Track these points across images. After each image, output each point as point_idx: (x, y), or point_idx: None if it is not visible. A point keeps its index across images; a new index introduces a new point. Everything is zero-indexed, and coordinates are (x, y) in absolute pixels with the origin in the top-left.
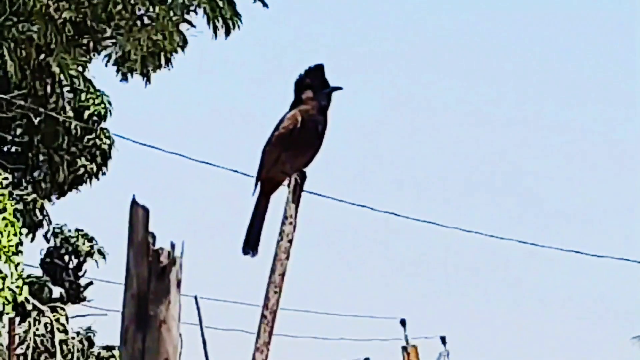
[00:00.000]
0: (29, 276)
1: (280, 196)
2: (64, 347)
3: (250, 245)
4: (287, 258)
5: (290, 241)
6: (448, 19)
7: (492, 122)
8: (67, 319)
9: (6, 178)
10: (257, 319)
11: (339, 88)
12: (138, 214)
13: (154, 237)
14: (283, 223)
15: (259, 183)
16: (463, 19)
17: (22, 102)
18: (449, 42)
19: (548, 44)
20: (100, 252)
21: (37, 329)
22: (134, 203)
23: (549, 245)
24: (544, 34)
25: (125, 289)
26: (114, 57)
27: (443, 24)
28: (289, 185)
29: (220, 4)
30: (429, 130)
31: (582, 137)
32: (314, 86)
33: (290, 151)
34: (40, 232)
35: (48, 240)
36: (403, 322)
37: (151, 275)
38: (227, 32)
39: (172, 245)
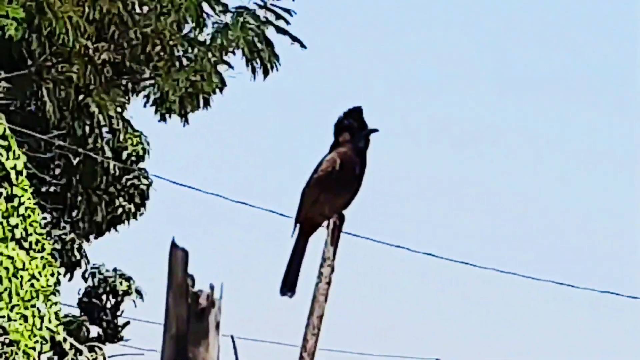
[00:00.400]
0: (66, 316)
1: (319, 237)
2: None
3: (288, 286)
4: (325, 300)
5: (329, 283)
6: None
7: (528, 164)
8: (104, 358)
9: (45, 218)
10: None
11: (375, 130)
12: (177, 256)
13: (193, 279)
14: (321, 265)
15: (298, 224)
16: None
17: (61, 143)
18: (491, 76)
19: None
20: (137, 291)
21: None
22: (173, 245)
23: (586, 287)
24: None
25: (164, 330)
26: (152, 97)
27: (481, 58)
28: (327, 227)
29: (259, 45)
30: (466, 171)
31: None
32: (352, 128)
33: (329, 193)
34: (78, 272)
35: (86, 280)
36: None
37: (190, 317)
38: (265, 73)
39: (211, 287)
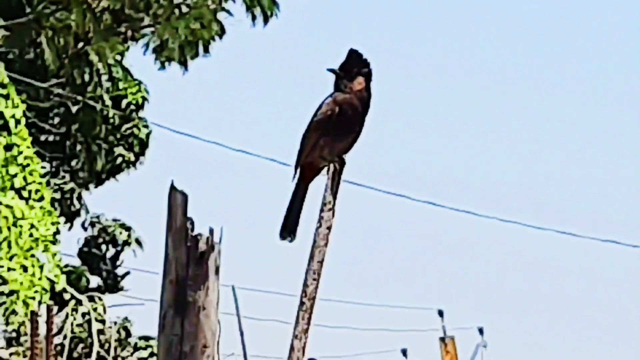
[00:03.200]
0: (66, 265)
1: (319, 185)
2: (101, 336)
3: (288, 230)
4: (326, 245)
5: (329, 228)
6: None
7: (532, 112)
8: (104, 308)
9: (44, 167)
10: (295, 309)
11: (333, 71)
12: (177, 200)
13: (192, 222)
14: (322, 209)
15: (298, 169)
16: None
17: (60, 91)
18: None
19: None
20: (137, 241)
21: (74, 318)
22: (172, 188)
23: (589, 236)
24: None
25: (163, 274)
26: (151, 45)
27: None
28: (327, 172)
29: None
30: (468, 123)
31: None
32: (352, 72)
33: (329, 136)
34: (77, 222)
35: (86, 230)
36: (441, 313)
37: (190, 261)
38: (265, 21)
39: (211, 231)
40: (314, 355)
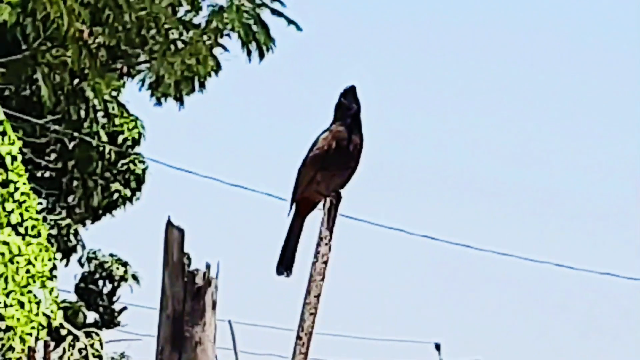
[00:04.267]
0: (63, 301)
1: (316, 219)
2: None
3: (285, 265)
4: (323, 279)
5: (326, 262)
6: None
7: (532, 147)
8: (101, 344)
9: (40, 203)
10: (292, 343)
11: (357, 110)
12: (173, 235)
13: (189, 258)
14: (318, 244)
15: (294, 204)
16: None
17: (56, 127)
18: (491, 71)
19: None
20: (134, 277)
21: (71, 354)
22: (169, 224)
23: (586, 269)
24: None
25: (160, 309)
26: (147, 81)
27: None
28: (324, 206)
29: (254, 28)
30: (465, 152)
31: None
32: (348, 107)
33: (326, 171)
34: (74, 257)
35: (82, 265)
36: (438, 347)
37: (186, 296)
38: (261, 56)
39: (208, 266)
40: None
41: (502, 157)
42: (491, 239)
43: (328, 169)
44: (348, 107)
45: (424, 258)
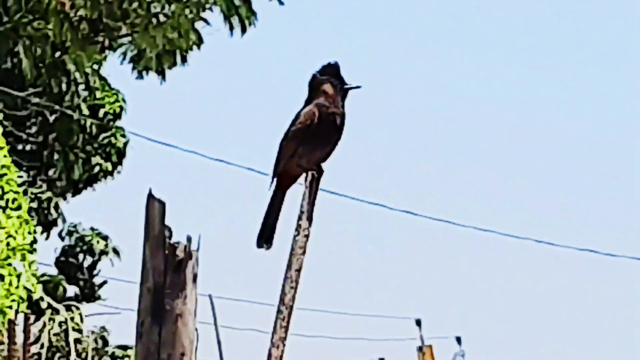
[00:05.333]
0: (43, 275)
1: (297, 193)
2: (78, 346)
3: (265, 238)
4: (304, 253)
5: (307, 236)
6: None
7: (508, 119)
8: (81, 317)
9: (21, 176)
10: (273, 318)
11: (358, 87)
12: (154, 208)
13: (170, 230)
14: (299, 218)
15: (275, 177)
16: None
17: (37, 100)
18: (469, 39)
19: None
20: (114, 250)
21: (51, 328)
22: (150, 196)
23: (565, 245)
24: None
25: (141, 282)
26: (129, 55)
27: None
28: (305, 180)
29: (236, 2)
30: (446, 128)
31: (599, 133)
32: (331, 82)
33: (308, 145)
34: (55, 231)
35: (63, 239)
36: (418, 322)
37: (167, 268)
38: (243, 30)
39: (189, 239)
40: None
41: (483, 132)
42: (472, 215)
43: (310, 142)
44: (329, 82)
45: (405, 234)
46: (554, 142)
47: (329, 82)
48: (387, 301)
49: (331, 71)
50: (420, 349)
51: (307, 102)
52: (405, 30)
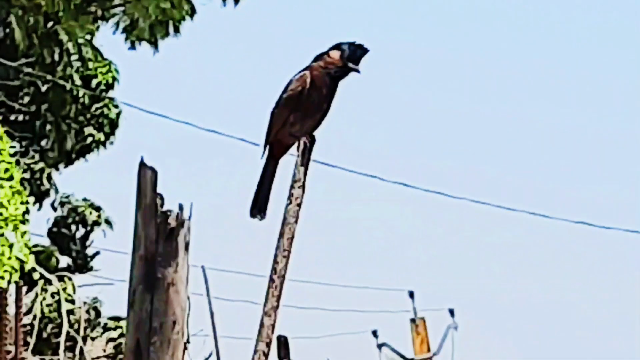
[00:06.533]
0: (35, 245)
1: (289, 162)
2: (71, 316)
3: (258, 207)
4: (296, 222)
5: (299, 205)
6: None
7: (499, 92)
8: (74, 288)
9: (13, 146)
10: (266, 288)
11: (357, 71)
12: (146, 176)
13: (162, 198)
14: (292, 187)
15: (268, 146)
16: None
17: (30, 70)
18: (463, 22)
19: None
20: (107, 221)
21: (44, 298)
22: (142, 165)
23: (559, 217)
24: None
25: (132, 250)
26: (122, 25)
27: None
28: (297, 148)
29: None
30: (439, 97)
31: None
32: (342, 50)
33: (300, 112)
34: (47, 201)
35: (55, 210)
36: (411, 294)
37: (159, 237)
38: (236, 0)
39: (181, 207)
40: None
41: (476, 100)
42: (466, 186)
43: (302, 109)
44: (332, 48)
45: (398, 205)
46: (548, 114)
47: (339, 50)
48: (380, 273)
49: (357, 50)
50: (413, 321)
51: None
52: (414, 7)
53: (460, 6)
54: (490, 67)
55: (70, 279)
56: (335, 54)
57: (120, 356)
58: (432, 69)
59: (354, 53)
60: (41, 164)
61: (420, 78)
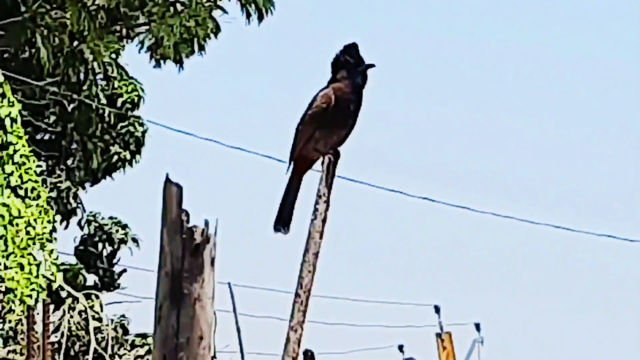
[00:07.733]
0: (63, 264)
1: (314, 178)
2: (98, 334)
3: (282, 222)
4: (321, 237)
5: (324, 220)
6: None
7: (526, 110)
8: (101, 306)
9: (40, 165)
10: (291, 303)
11: (372, 65)
12: (172, 192)
13: (187, 214)
14: (317, 202)
15: (292, 162)
16: None
17: (55, 90)
18: (481, 27)
19: None
20: (134, 239)
21: (71, 316)
22: (167, 181)
23: (583, 230)
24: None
25: (159, 267)
26: (147, 43)
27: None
28: (322, 164)
29: None
30: (462, 117)
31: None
32: (348, 64)
33: (324, 129)
34: (74, 220)
35: (82, 228)
36: (437, 309)
37: (185, 253)
38: (260, 18)
39: (206, 223)
40: None
41: (499, 117)
42: (491, 201)
43: (327, 126)
44: (345, 64)
45: (424, 220)
46: (571, 127)
47: (345, 66)
48: (406, 288)
49: (350, 52)
50: (439, 335)
51: (330, 83)
52: (425, 6)
53: (501, 31)
54: (518, 85)
55: (97, 296)
56: (343, 72)
57: None
58: (455, 84)
59: (353, 57)
60: (67, 183)
61: (445, 94)
